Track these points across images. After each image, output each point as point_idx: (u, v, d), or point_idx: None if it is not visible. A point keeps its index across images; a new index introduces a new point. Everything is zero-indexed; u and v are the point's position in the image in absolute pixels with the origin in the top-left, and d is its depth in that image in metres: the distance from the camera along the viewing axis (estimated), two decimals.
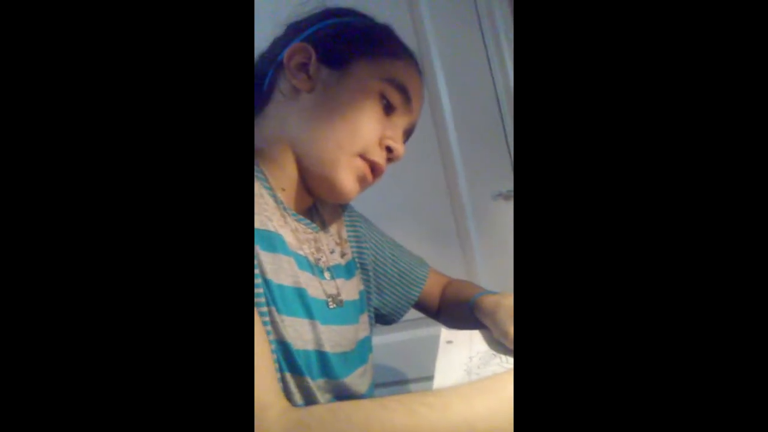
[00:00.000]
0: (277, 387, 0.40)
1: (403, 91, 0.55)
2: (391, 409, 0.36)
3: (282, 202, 0.53)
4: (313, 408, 0.40)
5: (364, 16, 0.59)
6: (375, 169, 0.55)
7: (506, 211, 1.29)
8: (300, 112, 0.54)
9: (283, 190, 0.54)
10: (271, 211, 0.51)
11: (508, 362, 0.53)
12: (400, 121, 0.57)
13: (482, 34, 1.29)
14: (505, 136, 1.29)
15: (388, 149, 0.56)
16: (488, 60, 1.29)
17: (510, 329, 0.53)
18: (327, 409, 0.39)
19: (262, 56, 0.58)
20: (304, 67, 0.54)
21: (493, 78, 1.29)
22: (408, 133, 0.60)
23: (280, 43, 0.57)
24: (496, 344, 0.57)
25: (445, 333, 0.62)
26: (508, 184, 1.29)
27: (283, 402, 0.39)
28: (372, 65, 0.54)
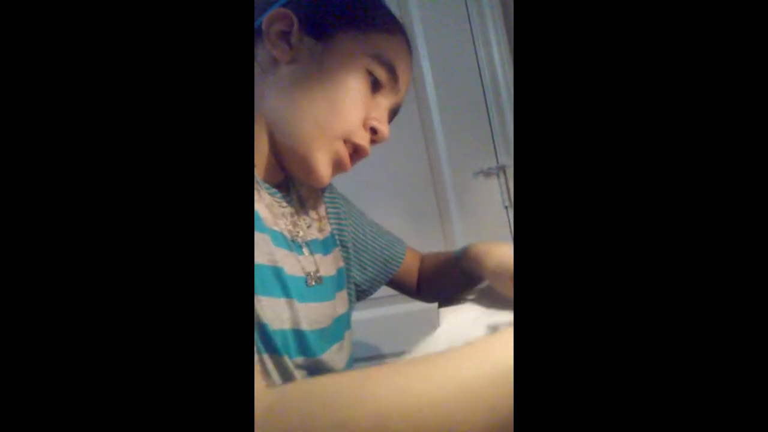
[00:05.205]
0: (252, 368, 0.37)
1: (390, 68, 0.52)
2: (373, 379, 0.32)
3: (254, 176, 0.50)
4: (286, 387, 0.35)
5: None
6: (358, 152, 0.53)
7: (487, 189, 1.29)
8: (278, 85, 0.50)
9: (254, 165, 0.52)
10: None
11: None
12: (386, 101, 0.54)
13: (467, 10, 1.27)
14: (488, 114, 1.28)
15: (373, 130, 0.53)
16: (473, 37, 1.27)
17: (499, 271, 0.55)
18: (302, 388, 0.35)
19: None
20: (284, 35, 0.50)
21: (477, 55, 1.27)
22: (393, 113, 0.57)
23: (260, 7, 0.52)
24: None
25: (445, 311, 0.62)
26: (490, 162, 1.28)
27: (258, 384, 0.35)
28: (359, 38, 0.50)
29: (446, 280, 0.71)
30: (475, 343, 0.33)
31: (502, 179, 1.28)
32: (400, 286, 0.76)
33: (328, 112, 0.49)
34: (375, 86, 0.52)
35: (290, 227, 0.54)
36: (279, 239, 0.50)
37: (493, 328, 0.53)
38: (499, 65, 1.27)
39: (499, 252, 0.58)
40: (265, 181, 0.53)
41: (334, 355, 0.54)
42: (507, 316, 0.55)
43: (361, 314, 1.28)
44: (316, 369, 0.51)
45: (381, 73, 0.51)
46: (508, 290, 0.55)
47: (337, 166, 0.52)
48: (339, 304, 0.58)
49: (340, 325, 0.58)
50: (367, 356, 1.35)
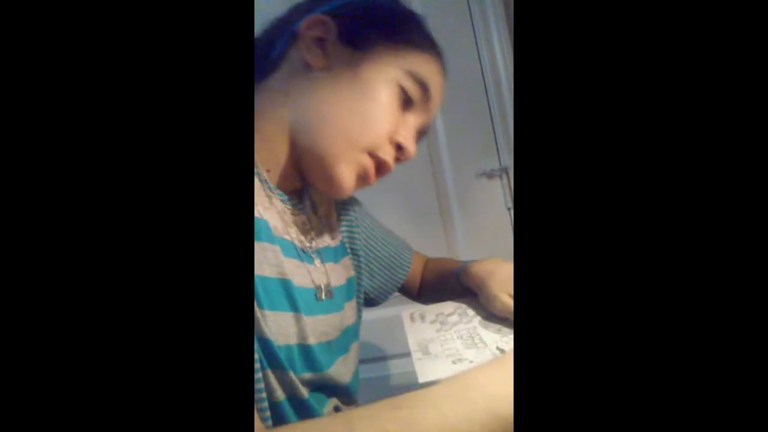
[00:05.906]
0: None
1: (423, 86, 0.51)
2: (357, 425, 0.33)
3: (267, 182, 0.50)
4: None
5: None
6: (381, 167, 0.51)
7: (489, 190, 1.29)
8: (308, 91, 0.49)
9: (268, 171, 0.51)
10: (255, 193, 0.47)
11: (473, 320, 0.57)
12: (415, 119, 0.52)
13: (470, 12, 1.26)
14: (490, 115, 1.27)
15: (399, 147, 0.51)
16: (475, 39, 1.26)
17: (502, 296, 0.55)
18: None
19: (278, 21, 0.53)
20: (320, 42, 0.49)
21: (479, 55, 1.27)
22: (421, 134, 0.56)
23: (299, 11, 0.52)
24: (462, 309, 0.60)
25: (407, 312, 0.64)
26: (492, 163, 1.28)
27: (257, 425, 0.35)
28: (395, 53, 0.49)
29: (445, 290, 0.70)
30: (458, 382, 0.36)
31: (505, 181, 1.28)
32: (402, 289, 0.75)
33: (355, 121, 0.48)
34: (406, 104, 0.51)
35: (302, 236, 0.53)
36: (289, 249, 0.50)
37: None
38: (501, 66, 1.26)
39: (499, 277, 0.57)
40: (279, 186, 0.52)
41: (339, 367, 0.54)
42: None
43: (364, 315, 1.27)
44: (322, 383, 0.51)
45: (413, 90, 0.50)
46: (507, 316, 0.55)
47: (361, 179, 0.51)
48: (347, 314, 0.58)
49: (347, 337, 0.57)
50: (372, 357, 1.35)
